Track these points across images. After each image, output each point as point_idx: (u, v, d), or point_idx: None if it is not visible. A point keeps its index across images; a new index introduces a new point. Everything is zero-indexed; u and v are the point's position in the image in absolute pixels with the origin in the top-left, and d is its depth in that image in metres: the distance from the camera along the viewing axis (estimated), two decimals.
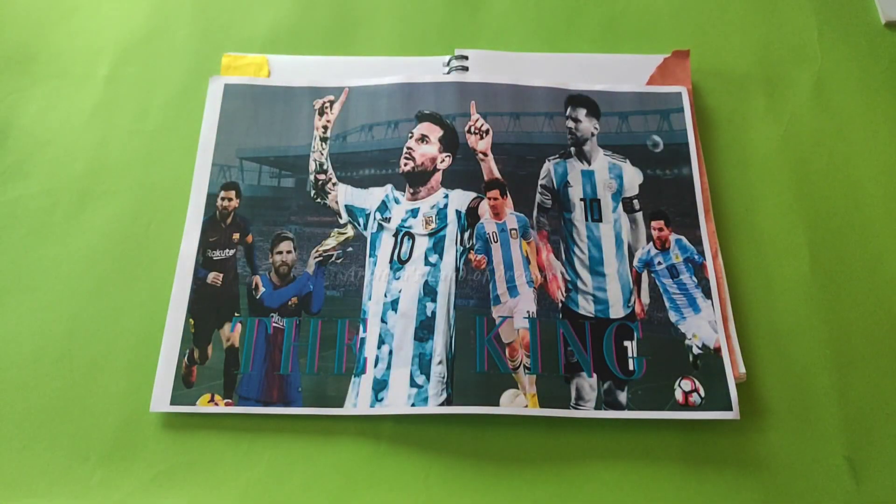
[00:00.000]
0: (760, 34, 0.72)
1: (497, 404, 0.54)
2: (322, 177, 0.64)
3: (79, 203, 0.63)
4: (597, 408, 0.54)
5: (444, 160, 0.64)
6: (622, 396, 0.55)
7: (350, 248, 0.61)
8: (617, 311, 0.58)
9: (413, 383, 0.55)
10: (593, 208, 0.63)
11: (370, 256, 0.61)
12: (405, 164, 0.64)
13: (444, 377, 0.55)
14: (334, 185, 0.64)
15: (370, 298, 0.59)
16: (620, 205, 0.63)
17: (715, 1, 0.74)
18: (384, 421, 0.54)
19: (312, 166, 0.65)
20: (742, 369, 0.55)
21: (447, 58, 0.70)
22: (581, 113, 0.67)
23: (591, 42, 0.72)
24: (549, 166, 0.64)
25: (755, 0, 0.74)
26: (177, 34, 0.72)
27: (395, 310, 0.58)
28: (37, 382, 0.56)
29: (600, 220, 0.62)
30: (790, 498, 0.52)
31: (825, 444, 0.53)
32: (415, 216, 0.62)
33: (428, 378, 0.55)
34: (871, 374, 0.56)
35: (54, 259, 0.61)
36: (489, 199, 0.62)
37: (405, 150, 0.65)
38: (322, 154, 0.65)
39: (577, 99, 0.67)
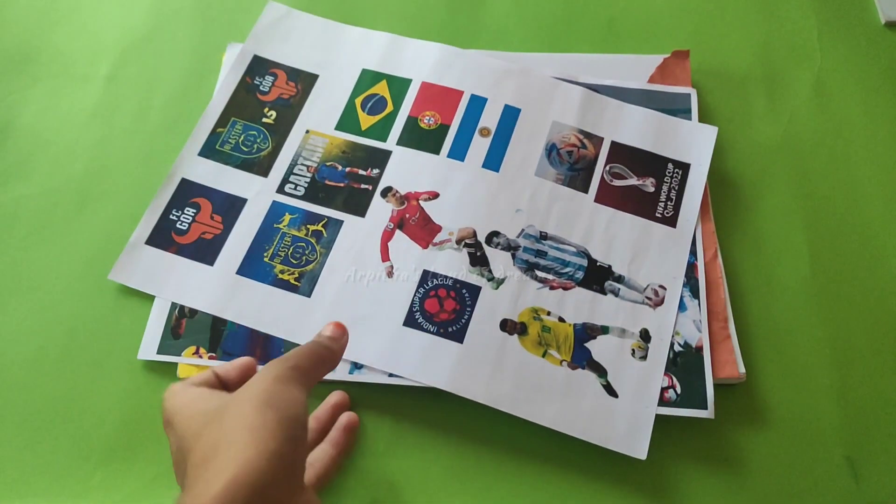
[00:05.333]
0: (760, 34, 0.72)
1: None
2: None
3: (79, 203, 0.63)
4: None
5: None
6: None
7: None
8: None
9: None
10: None
11: None
12: None
13: None
14: None
15: None
16: None
17: (715, 1, 0.74)
18: (384, 420, 0.54)
19: None
20: (742, 369, 0.55)
21: None
22: None
23: (591, 42, 0.72)
24: None
25: (755, 0, 0.74)
26: (177, 33, 0.72)
27: None
28: (37, 382, 0.56)
29: None
30: (790, 498, 0.52)
31: (825, 444, 0.53)
32: None
33: None
34: (871, 374, 0.56)
35: (54, 259, 0.61)
36: None
37: None
38: None
39: None
